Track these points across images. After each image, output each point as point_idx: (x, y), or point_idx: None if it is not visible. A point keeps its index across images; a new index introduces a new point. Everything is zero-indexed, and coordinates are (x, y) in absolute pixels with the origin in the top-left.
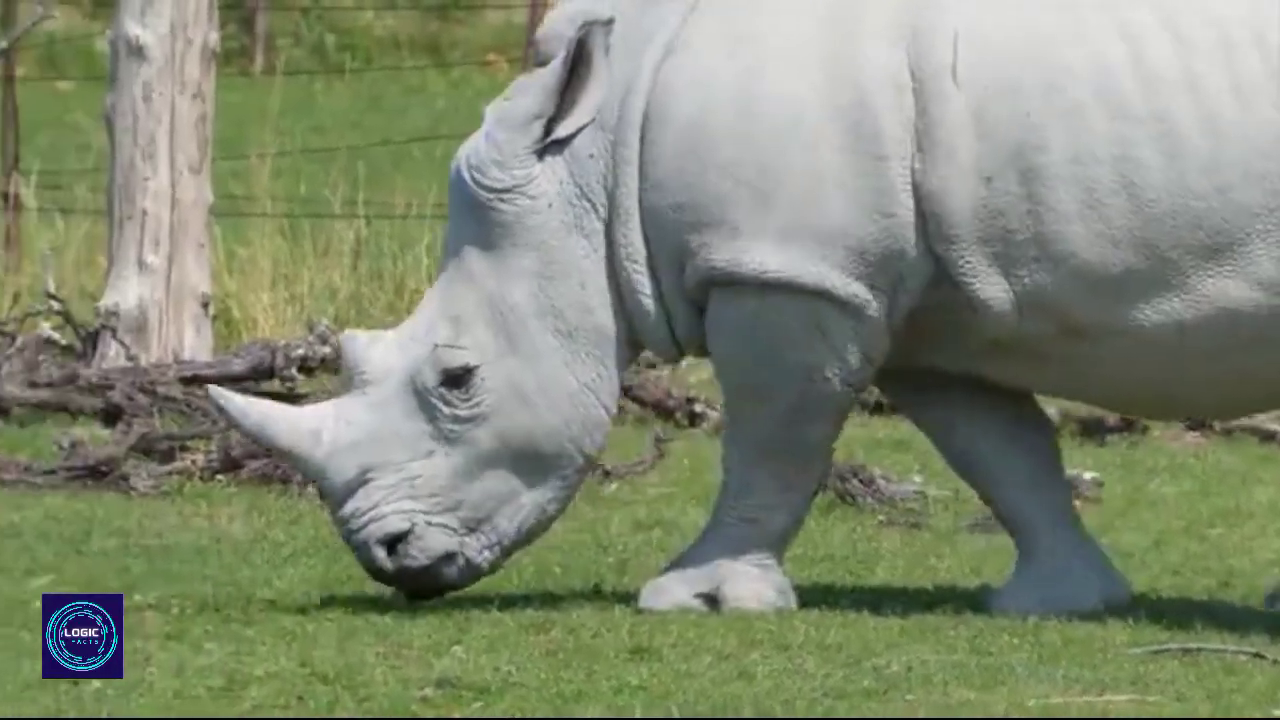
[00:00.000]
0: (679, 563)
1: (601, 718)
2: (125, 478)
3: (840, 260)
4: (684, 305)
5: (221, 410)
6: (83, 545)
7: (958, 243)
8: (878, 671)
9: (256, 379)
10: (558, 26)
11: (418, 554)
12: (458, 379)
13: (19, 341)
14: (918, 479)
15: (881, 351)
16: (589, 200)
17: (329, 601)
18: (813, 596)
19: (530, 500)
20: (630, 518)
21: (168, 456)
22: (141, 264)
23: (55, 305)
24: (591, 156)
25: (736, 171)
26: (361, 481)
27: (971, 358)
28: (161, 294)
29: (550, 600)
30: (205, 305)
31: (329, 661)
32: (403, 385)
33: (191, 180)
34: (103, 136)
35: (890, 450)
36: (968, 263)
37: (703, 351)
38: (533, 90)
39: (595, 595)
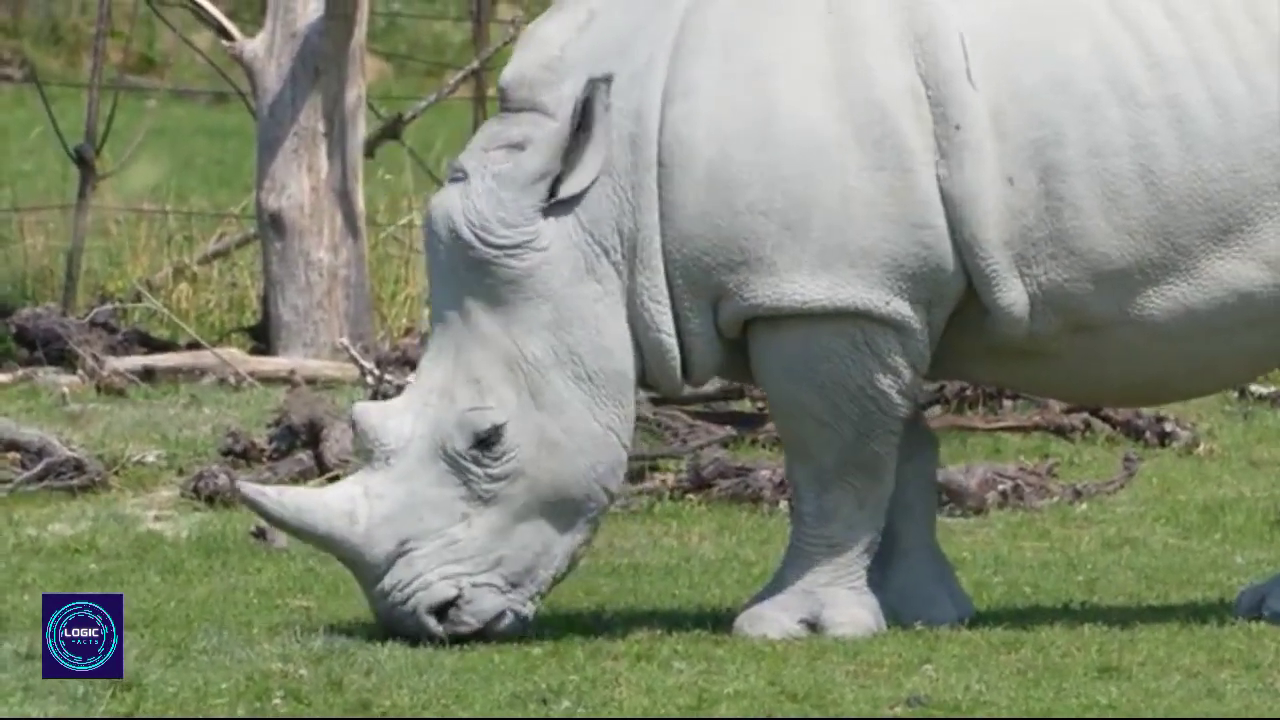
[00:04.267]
0: (772, 590)
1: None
2: None
3: (879, 279)
4: (709, 342)
5: (254, 506)
6: None
7: (984, 247)
8: None
9: (727, 398)
10: (528, 73)
11: (470, 618)
12: (488, 440)
13: None
14: None
15: (926, 361)
16: (600, 245)
17: None
18: None
19: (562, 547)
20: (1100, 537)
21: (638, 476)
22: None
23: None
24: (600, 201)
25: (766, 207)
26: (400, 553)
27: (967, 361)
28: None
29: (1020, 618)
30: None
31: (798, 680)
32: (427, 452)
33: None
34: None
35: None
36: (993, 268)
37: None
38: (538, 149)
39: (1065, 613)
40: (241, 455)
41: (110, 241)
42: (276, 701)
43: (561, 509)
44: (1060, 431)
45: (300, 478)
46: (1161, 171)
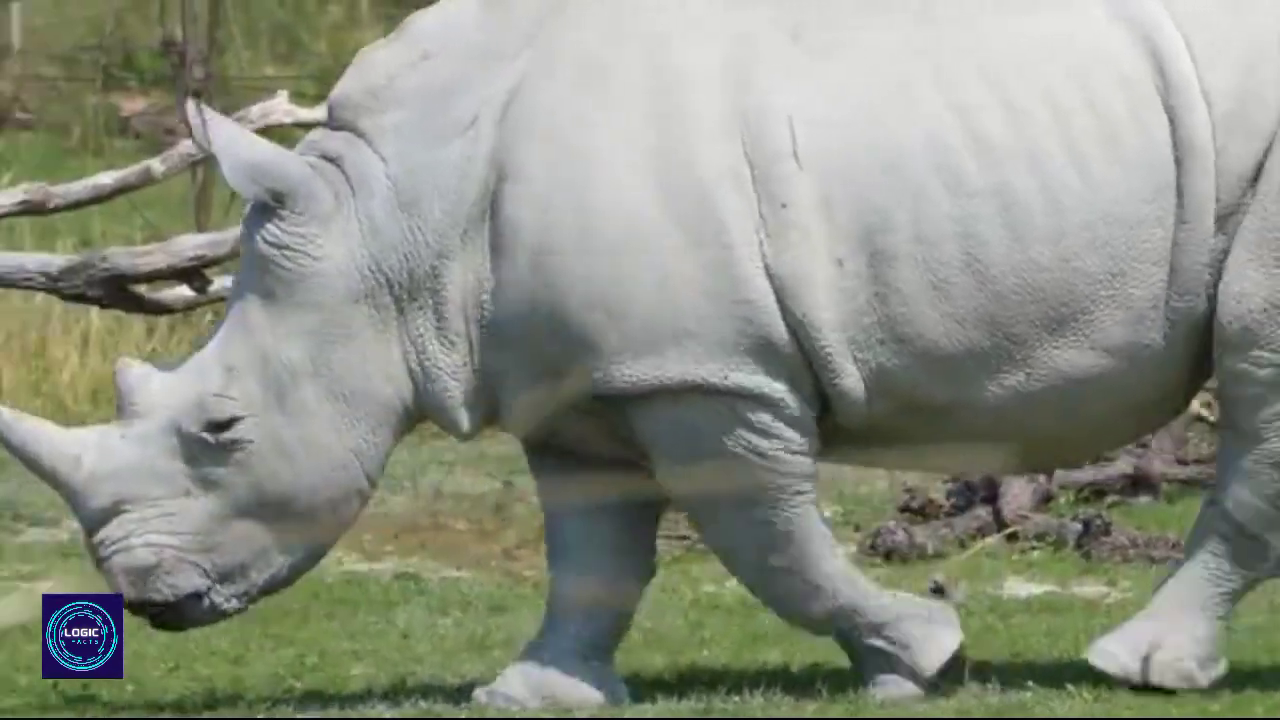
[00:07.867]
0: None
1: None
2: None
3: (707, 354)
4: (531, 404)
5: None
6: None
7: (819, 328)
8: None
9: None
10: (354, 95)
11: (165, 589)
12: (220, 428)
13: None
14: None
15: (809, 425)
16: (384, 275)
17: None
18: None
19: (282, 556)
20: None
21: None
22: None
23: None
24: (395, 234)
25: (586, 295)
26: (116, 511)
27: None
28: None
29: None
30: None
31: None
32: (167, 424)
33: None
34: None
35: None
36: (828, 351)
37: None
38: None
39: None
40: (919, 512)
41: None
42: None
43: (284, 517)
44: None
45: (978, 534)
46: (989, 261)
